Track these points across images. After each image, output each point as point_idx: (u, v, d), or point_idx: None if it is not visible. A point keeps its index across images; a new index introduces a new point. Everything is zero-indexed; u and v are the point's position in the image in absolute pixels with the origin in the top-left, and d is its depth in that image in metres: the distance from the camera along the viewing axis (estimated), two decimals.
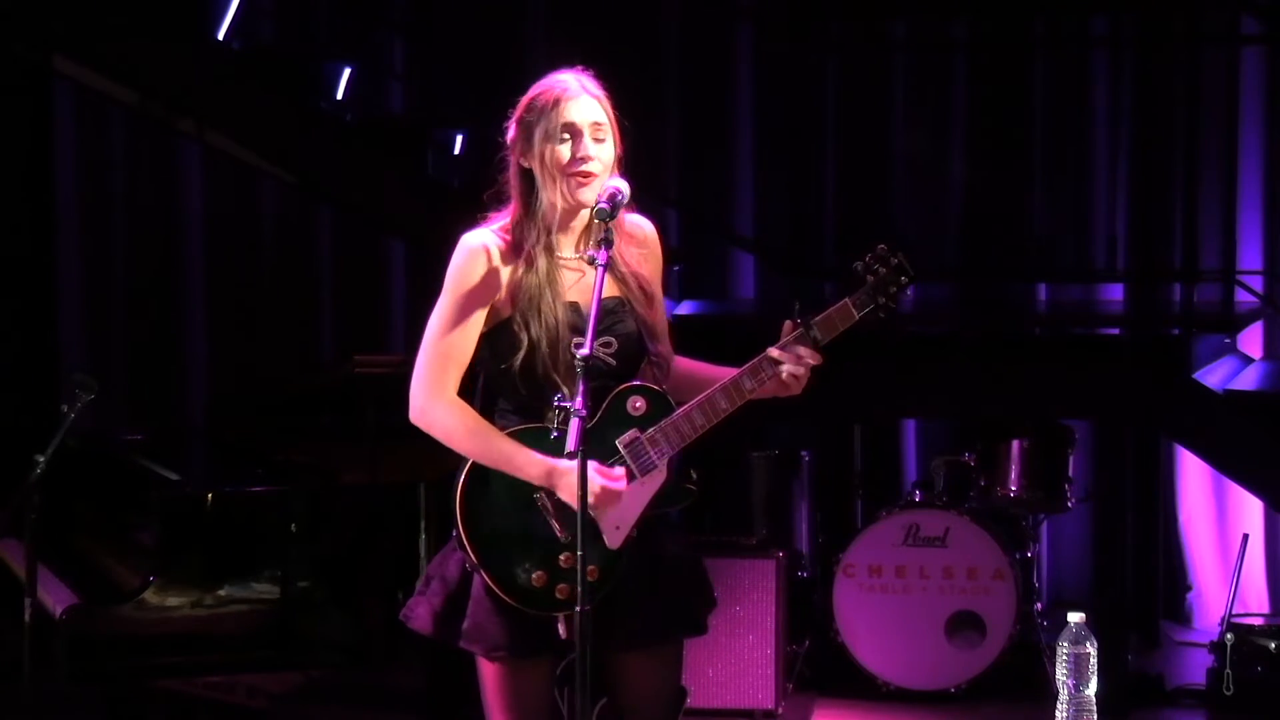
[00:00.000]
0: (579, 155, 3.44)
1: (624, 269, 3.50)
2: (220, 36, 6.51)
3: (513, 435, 3.45)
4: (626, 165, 3.54)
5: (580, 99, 3.46)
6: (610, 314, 3.47)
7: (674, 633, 3.53)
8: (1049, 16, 7.62)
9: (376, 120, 7.05)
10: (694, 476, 3.52)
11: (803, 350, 3.42)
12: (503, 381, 3.47)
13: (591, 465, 3.33)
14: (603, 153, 3.46)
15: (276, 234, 7.80)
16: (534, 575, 3.43)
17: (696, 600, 3.58)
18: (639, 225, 3.59)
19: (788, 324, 3.45)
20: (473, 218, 3.62)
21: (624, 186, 3.43)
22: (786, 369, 3.41)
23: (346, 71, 6.88)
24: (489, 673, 3.53)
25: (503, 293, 3.48)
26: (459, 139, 7.09)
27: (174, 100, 6.48)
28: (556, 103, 3.46)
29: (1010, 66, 7.60)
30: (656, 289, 3.58)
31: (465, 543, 3.45)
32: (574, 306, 3.45)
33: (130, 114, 7.41)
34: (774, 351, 3.43)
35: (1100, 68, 7.58)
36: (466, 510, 3.47)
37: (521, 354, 3.43)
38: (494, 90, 7.50)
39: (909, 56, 7.66)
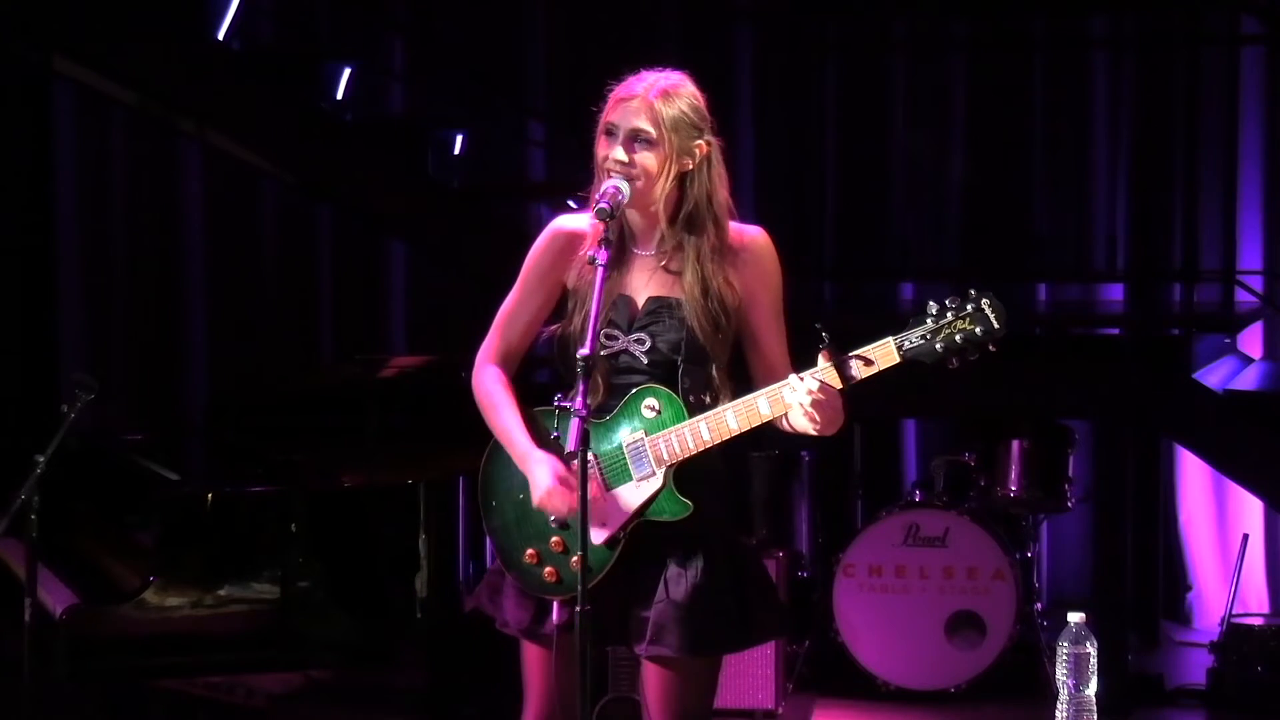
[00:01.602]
0: (606, 154, 3.46)
1: (692, 274, 3.45)
2: (220, 36, 6.50)
3: (537, 412, 3.51)
4: None
5: (631, 102, 3.45)
6: (651, 314, 3.48)
7: (661, 647, 3.42)
8: (1049, 16, 7.61)
9: (376, 120, 7.05)
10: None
11: (813, 385, 3.26)
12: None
13: (552, 464, 3.40)
14: (641, 159, 3.43)
15: (276, 234, 7.79)
16: (527, 553, 3.50)
17: (716, 623, 3.43)
18: (742, 233, 3.52)
19: (824, 354, 3.29)
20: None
21: (624, 187, 3.42)
22: (798, 399, 3.28)
23: (346, 71, 6.87)
24: (522, 646, 3.60)
25: (574, 275, 3.51)
26: (459, 139, 7.09)
27: (174, 100, 6.48)
28: (612, 99, 3.48)
29: (1010, 66, 7.60)
30: (754, 300, 3.48)
31: (482, 511, 3.57)
32: (625, 301, 3.48)
33: (130, 114, 7.41)
34: (793, 380, 3.31)
35: (1100, 68, 7.58)
36: (485, 480, 3.60)
37: (561, 330, 3.50)
38: (494, 90, 7.57)
39: (909, 56, 7.66)
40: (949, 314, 3.23)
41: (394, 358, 6.18)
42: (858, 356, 3.26)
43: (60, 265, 7.67)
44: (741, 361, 3.53)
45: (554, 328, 3.54)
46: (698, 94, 3.52)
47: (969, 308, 3.23)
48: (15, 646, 4.40)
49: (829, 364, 3.28)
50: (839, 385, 3.28)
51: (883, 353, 3.26)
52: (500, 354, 3.60)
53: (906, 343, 3.24)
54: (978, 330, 3.22)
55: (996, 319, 3.22)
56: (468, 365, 5.68)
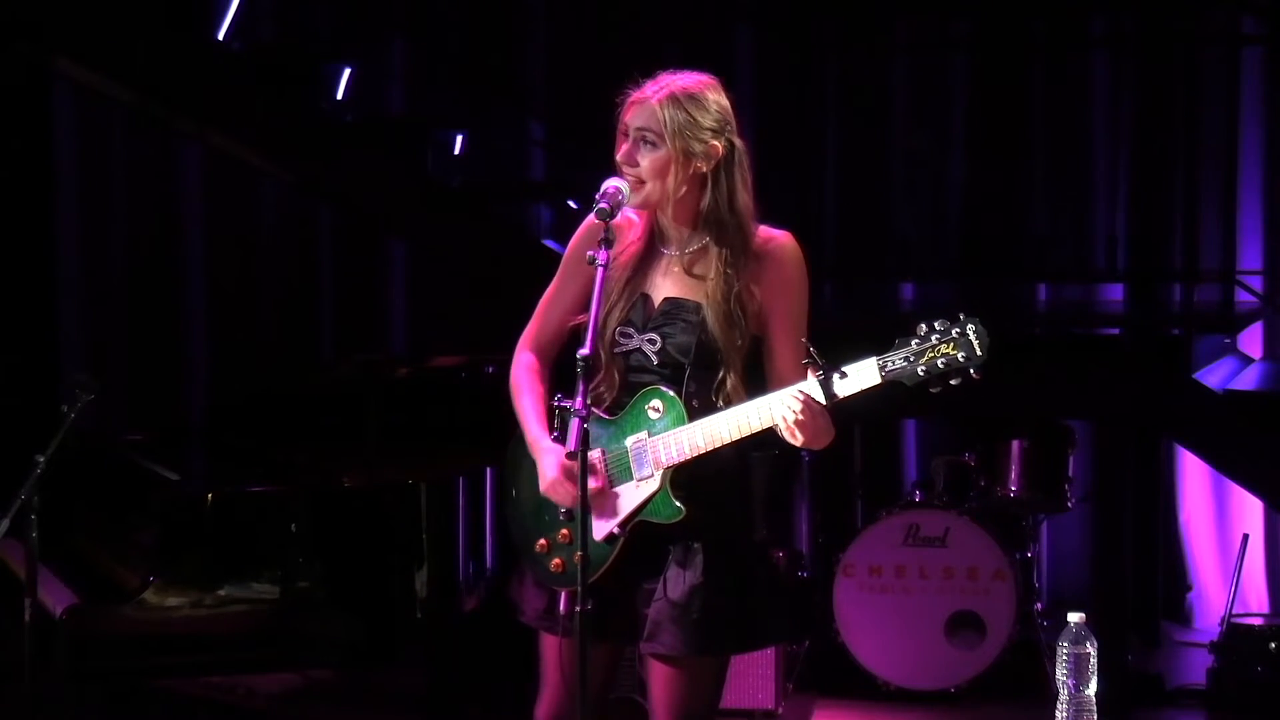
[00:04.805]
0: (620, 156, 3.48)
1: (714, 279, 3.45)
2: (220, 36, 6.51)
3: (556, 409, 3.53)
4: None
5: (638, 105, 3.47)
6: (665, 315, 3.49)
7: (656, 645, 3.44)
8: (1049, 17, 7.61)
9: (376, 120, 7.05)
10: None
11: (796, 402, 3.27)
12: None
13: (559, 455, 3.42)
14: (645, 160, 3.44)
15: (276, 234, 7.80)
16: (539, 542, 3.54)
17: (713, 623, 3.43)
18: (770, 239, 3.53)
19: (809, 370, 3.29)
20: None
21: (624, 186, 3.44)
22: (782, 413, 3.29)
23: (346, 71, 6.88)
24: (540, 636, 3.63)
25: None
26: (459, 139, 7.09)
27: (174, 100, 6.48)
28: (629, 100, 3.50)
29: (1010, 66, 7.59)
30: (771, 307, 3.47)
31: (503, 497, 3.62)
32: (644, 300, 3.50)
33: (130, 114, 7.41)
34: (780, 394, 3.32)
35: (1100, 68, 7.58)
36: (507, 467, 3.64)
37: (581, 324, 3.49)
38: (494, 90, 7.57)
39: (909, 56, 7.66)
40: (934, 337, 3.23)
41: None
42: (840, 374, 3.27)
43: (60, 266, 7.67)
44: (760, 367, 3.52)
45: (581, 317, 3.53)
46: (720, 97, 3.53)
47: (954, 332, 3.22)
48: (15, 646, 4.40)
49: (814, 380, 3.28)
50: (823, 402, 3.29)
51: (865, 372, 3.26)
52: (536, 341, 3.65)
53: (889, 364, 3.25)
54: (960, 356, 3.22)
55: (980, 346, 3.21)
56: (471, 367, 5.71)
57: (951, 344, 3.23)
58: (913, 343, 3.24)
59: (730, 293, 3.44)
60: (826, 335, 3.40)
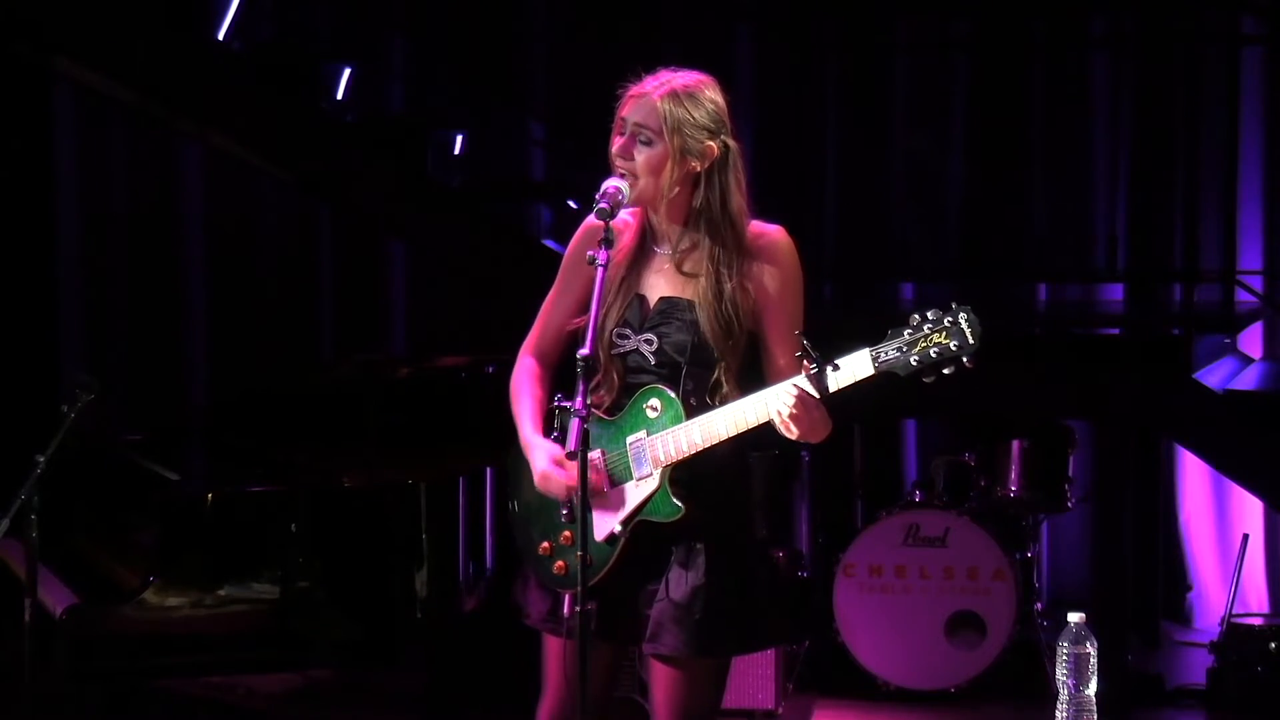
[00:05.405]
0: (615, 149, 3.47)
1: (706, 277, 3.45)
2: (220, 36, 6.51)
3: (556, 409, 3.53)
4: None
5: (640, 99, 3.46)
6: (661, 314, 3.49)
7: (659, 646, 3.45)
8: (1049, 17, 7.61)
9: (376, 120, 7.05)
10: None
11: (789, 395, 3.26)
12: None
13: (550, 450, 3.44)
14: (640, 156, 3.44)
15: (276, 234, 7.80)
16: (542, 545, 3.54)
17: (716, 624, 3.43)
18: (762, 234, 3.52)
19: (805, 363, 3.27)
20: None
21: (624, 186, 3.43)
22: (776, 407, 3.28)
23: (346, 71, 6.88)
24: (543, 638, 3.63)
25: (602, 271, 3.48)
26: (459, 139, 7.09)
27: (174, 100, 6.48)
28: (627, 94, 3.49)
29: (1010, 66, 7.59)
30: (766, 301, 3.46)
31: (505, 501, 3.62)
32: (639, 300, 3.50)
33: (130, 114, 7.41)
34: (775, 388, 3.32)
35: (1100, 68, 7.58)
36: (510, 472, 3.64)
37: (578, 326, 3.49)
38: (494, 90, 7.56)
39: (909, 57, 7.66)
40: (926, 326, 3.20)
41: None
42: (833, 366, 3.25)
43: (60, 265, 7.67)
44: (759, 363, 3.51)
45: (579, 320, 3.52)
46: (717, 97, 3.52)
47: (946, 321, 3.20)
48: (15, 646, 4.41)
49: (806, 374, 3.27)
50: (816, 395, 3.27)
51: (858, 364, 3.24)
52: (538, 346, 3.65)
53: (882, 354, 3.22)
54: (952, 345, 3.19)
55: (972, 334, 3.18)
56: (472, 367, 5.70)
57: (944, 333, 3.20)
58: (905, 333, 3.22)
59: (722, 291, 3.44)
60: (826, 335, 3.38)
